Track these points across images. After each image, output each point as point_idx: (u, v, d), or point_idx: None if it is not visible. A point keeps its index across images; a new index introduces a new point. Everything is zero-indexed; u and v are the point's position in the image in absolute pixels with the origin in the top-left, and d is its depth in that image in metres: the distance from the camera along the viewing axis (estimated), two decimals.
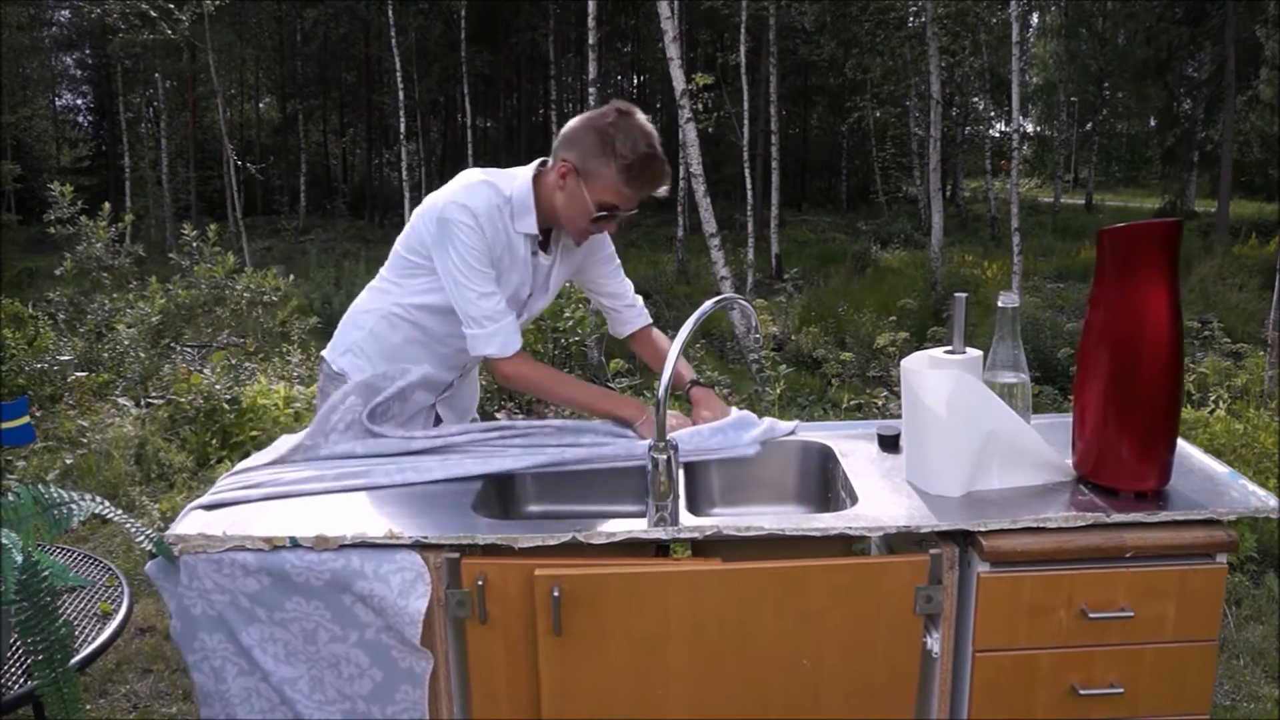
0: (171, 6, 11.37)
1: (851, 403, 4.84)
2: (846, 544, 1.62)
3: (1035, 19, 23.33)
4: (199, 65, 16.63)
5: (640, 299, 2.23)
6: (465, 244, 1.82)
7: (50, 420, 4.69)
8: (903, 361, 1.64)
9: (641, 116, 1.83)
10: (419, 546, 1.48)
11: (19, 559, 1.39)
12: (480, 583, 1.46)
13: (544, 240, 1.97)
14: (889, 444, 1.83)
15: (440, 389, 2.06)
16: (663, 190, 1.89)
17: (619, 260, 2.16)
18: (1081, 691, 1.51)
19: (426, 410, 2.05)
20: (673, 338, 1.57)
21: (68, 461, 4.13)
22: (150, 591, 3.19)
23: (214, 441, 4.52)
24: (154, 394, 4.97)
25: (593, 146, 1.79)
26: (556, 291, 2.09)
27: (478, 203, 1.83)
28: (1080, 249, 14.72)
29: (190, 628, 1.51)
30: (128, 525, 1.57)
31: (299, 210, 22.08)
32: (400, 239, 1.98)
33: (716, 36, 22.50)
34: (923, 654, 1.51)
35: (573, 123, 1.86)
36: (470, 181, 1.88)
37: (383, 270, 2.03)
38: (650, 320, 2.23)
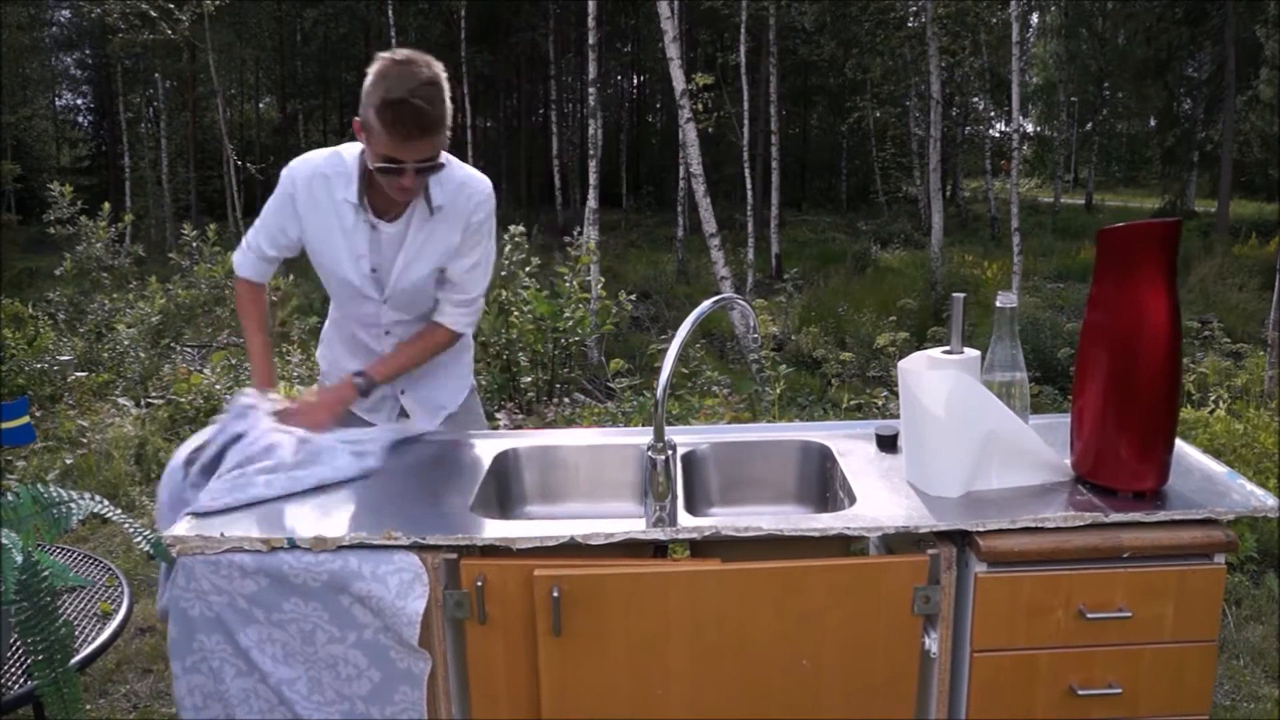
0: (171, 6, 11.37)
1: (851, 403, 4.84)
2: (845, 544, 1.62)
3: (1035, 19, 23.34)
4: (199, 65, 16.63)
5: (464, 314, 2.02)
6: (276, 201, 1.95)
7: (50, 420, 4.69)
8: (901, 362, 1.64)
9: (416, 64, 1.73)
10: (417, 547, 1.48)
11: (19, 559, 1.39)
12: (479, 583, 1.46)
13: (385, 208, 1.90)
14: (887, 444, 1.83)
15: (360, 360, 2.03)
16: (438, 143, 1.78)
17: (483, 267, 2.01)
18: (1080, 692, 1.51)
19: (391, 401, 2.07)
20: (673, 337, 1.57)
21: (68, 461, 4.13)
22: (150, 591, 3.19)
23: None
24: (154, 394, 4.97)
25: (364, 99, 1.75)
26: (431, 263, 1.94)
27: (301, 169, 1.92)
28: (1080, 249, 14.73)
29: (188, 629, 1.51)
30: (127, 525, 1.57)
31: None
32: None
33: (716, 36, 22.51)
34: (921, 654, 1.51)
35: None
36: (320, 152, 1.94)
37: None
38: (454, 330, 2.03)
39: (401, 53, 1.76)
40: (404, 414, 2.08)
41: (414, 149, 1.74)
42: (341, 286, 1.98)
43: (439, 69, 1.76)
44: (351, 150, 1.90)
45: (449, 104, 1.78)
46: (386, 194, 1.83)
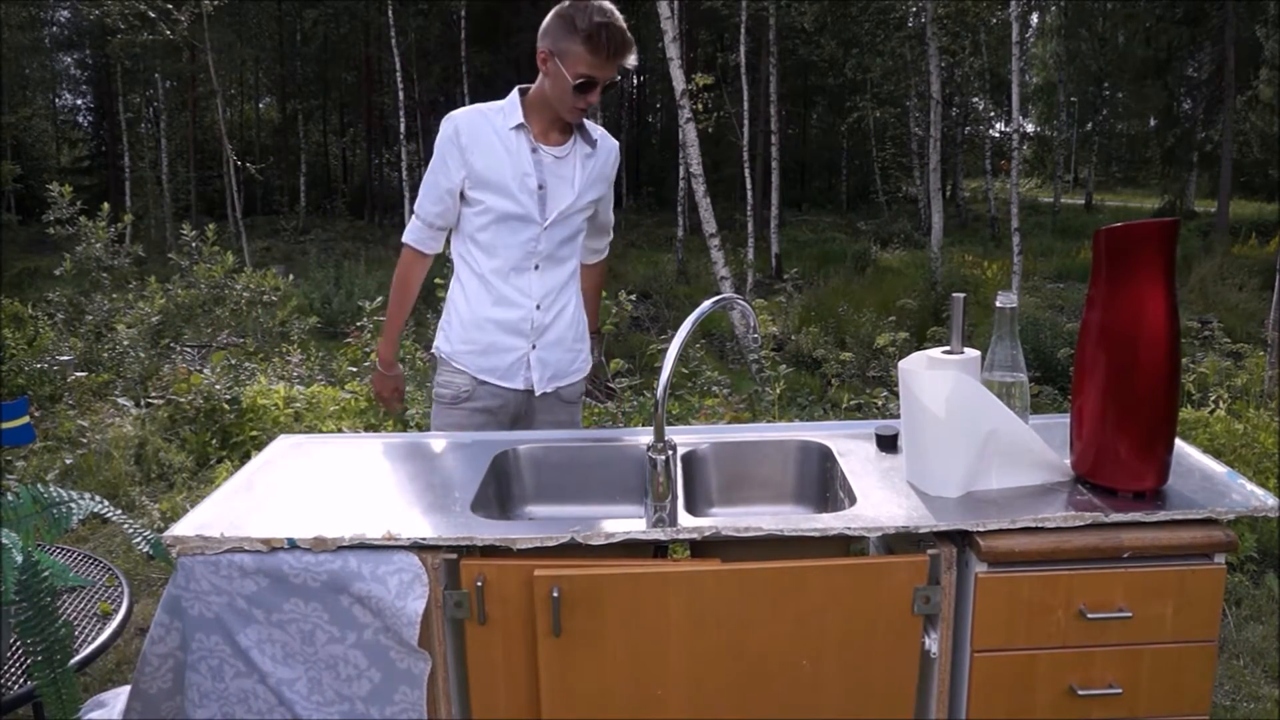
0: (170, 7, 11.37)
1: (851, 403, 4.84)
2: (845, 544, 1.62)
3: (1035, 19, 23.32)
4: (199, 65, 16.63)
5: (610, 237, 2.43)
6: (438, 152, 2.12)
7: (50, 420, 4.69)
8: (901, 362, 1.64)
9: None
10: (417, 548, 1.48)
11: (19, 559, 1.39)
12: (479, 584, 1.46)
13: (555, 137, 2.15)
14: (887, 444, 1.83)
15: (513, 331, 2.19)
16: (631, 60, 2.07)
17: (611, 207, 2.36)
18: (1080, 692, 1.51)
19: (522, 359, 2.20)
20: (673, 337, 1.57)
21: (67, 461, 4.13)
22: (151, 592, 3.19)
23: (214, 441, 4.52)
24: (154, 394, 4.97)
25: (559, 28, 2.02)
26: (588, 195, 2.20)
27: (460, 113, 2.13)
28: (1080, 249, 14.73)
29: (188, 629, 1.51)
30: (126, 526, 1.57)
31: (299, 210, 22.08)
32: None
33: (716, 36, 22.52)
34: (921, 654, 1.51)
35: (546, 18, 2.07)
36: (468, 105, 2.17)
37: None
38: (605, 257, 2.47)
39: None
40: (529, 365, 2.21)
41: (611, 66, 2.03)
42: (505, 218, 2.12)
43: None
44: (497, 100, 2.14)
45: None
46: (544, 123, 2.11)
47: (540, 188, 2.12)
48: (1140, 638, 1.50)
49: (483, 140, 2.10)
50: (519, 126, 2.11)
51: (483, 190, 2.11)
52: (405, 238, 2.23)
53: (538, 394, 2.22)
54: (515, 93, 2.15)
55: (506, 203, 2.10)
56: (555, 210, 2.14)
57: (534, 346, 2.20)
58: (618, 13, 2.04)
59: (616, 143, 2.29)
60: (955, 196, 21.81)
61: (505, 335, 2.17)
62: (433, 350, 2.30)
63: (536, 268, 2.17)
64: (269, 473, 1.79)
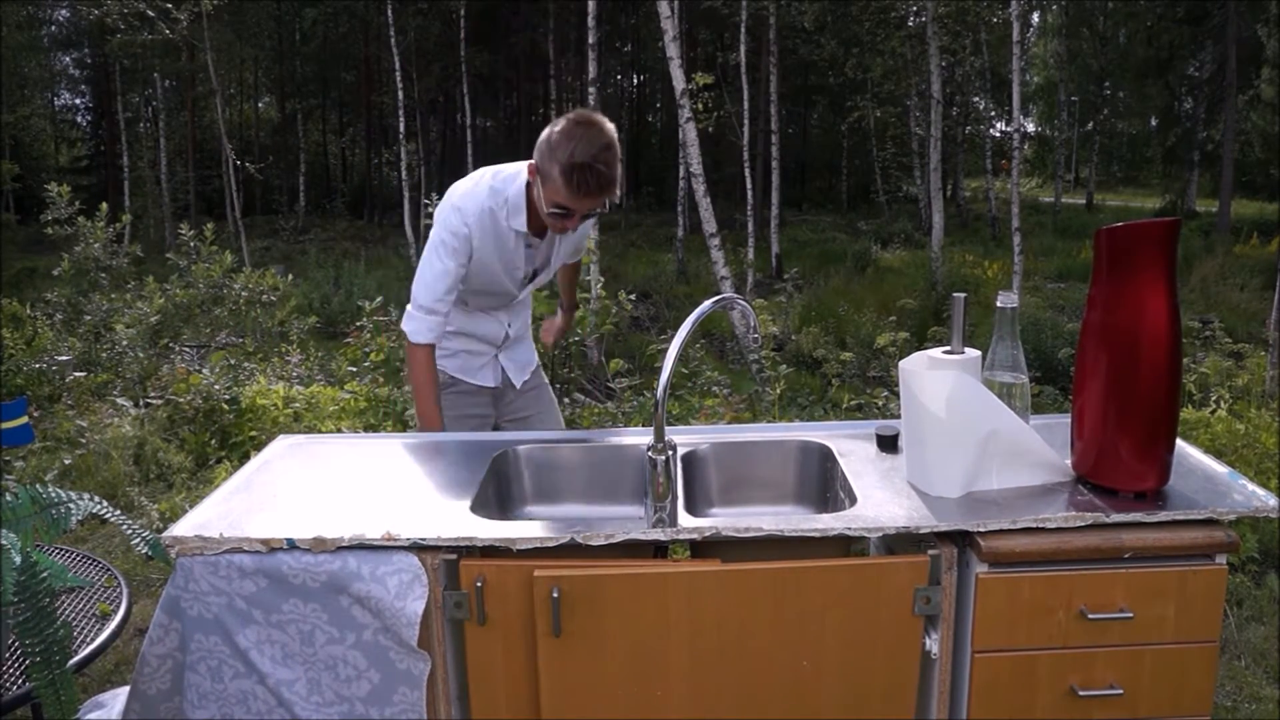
0: (169, 6, 11.36)
1: (852, 403, 4.83)
2: (845, 545, 1.62)
3: (1036, 18, 23.33)
4: (198, 65, 16.63)
5: (583, 246, 2.52)
6: (446, 241, 2.09)
7: (49, 420, 4.68)
8: (901, 362, 1.64)
9: (597, 127, 1.96)
10: (416, 548, 1.48)
11: (18, 560, 1.39)
12: (479, 584, 1.45)
13: (540, 230, 2.18)
14: (887, 444, 1.82)
15: (494, 342, 2.38)
16: (613, 196, 2.03)
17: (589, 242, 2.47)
18: (1081, 693, 1.51)
19: (491, 361, 2.37)
20: (672, 337, 1.57)
21: (66, 462, 4.12)
22: (150, 592, 3.19)
23: (213, 442, 4.52)
24: (152, 394, 4.96)
25: (546, 151, 1.98)
26: (560, 262, 2.34)
27: (470, 206, 2.09)
28: (1081, 249, 14.72)
29: (187, 629, 1.51)
30: (125, 526, 1.56)
31: (298, 210, 22.08)
32: None
33: (716, 36, 22.51)
34: (922, 655, 1.51)
35: (546, 128, 2.05)
36: (479, 183, 2.12)
37: None
38: (579, 259, 2.56)
39: (584, 115, 1.98)
40: (505, 375, 2.40)
41: (588, 203, 2.00)
42: (489, 291, 2.25)
43: (613, 130, 1.99)
44: (505, 180, 2.12)
45: (619, 165, 2.01)
46: (537, 218, 2.10)
47: (526, 278, 2.26)
48: (1141, 638, 1.50)
49: (489, 240, 2.13)
50: (519, 233, 2.14)
51: (478, 274, 2.18)
52: (419, 338, 2.13)
53: (517, 387, 2.43)
54: (524, 184, 2.11)
55: (492, 285, 2.23)
56: (537, 284, 2.33)
57: (500, 352, 2.39)
58: (608, 148, 1.96)
59: None
60: (956, 196, 21.81)
61: (477, 344, 2.36)
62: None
63: (516, 299, 2.36)
64: (268, 473, 1.79)
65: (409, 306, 2.15)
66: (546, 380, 2.60)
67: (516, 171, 2.12)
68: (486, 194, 2.10)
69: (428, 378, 2.16)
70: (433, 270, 2.10)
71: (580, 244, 2.42)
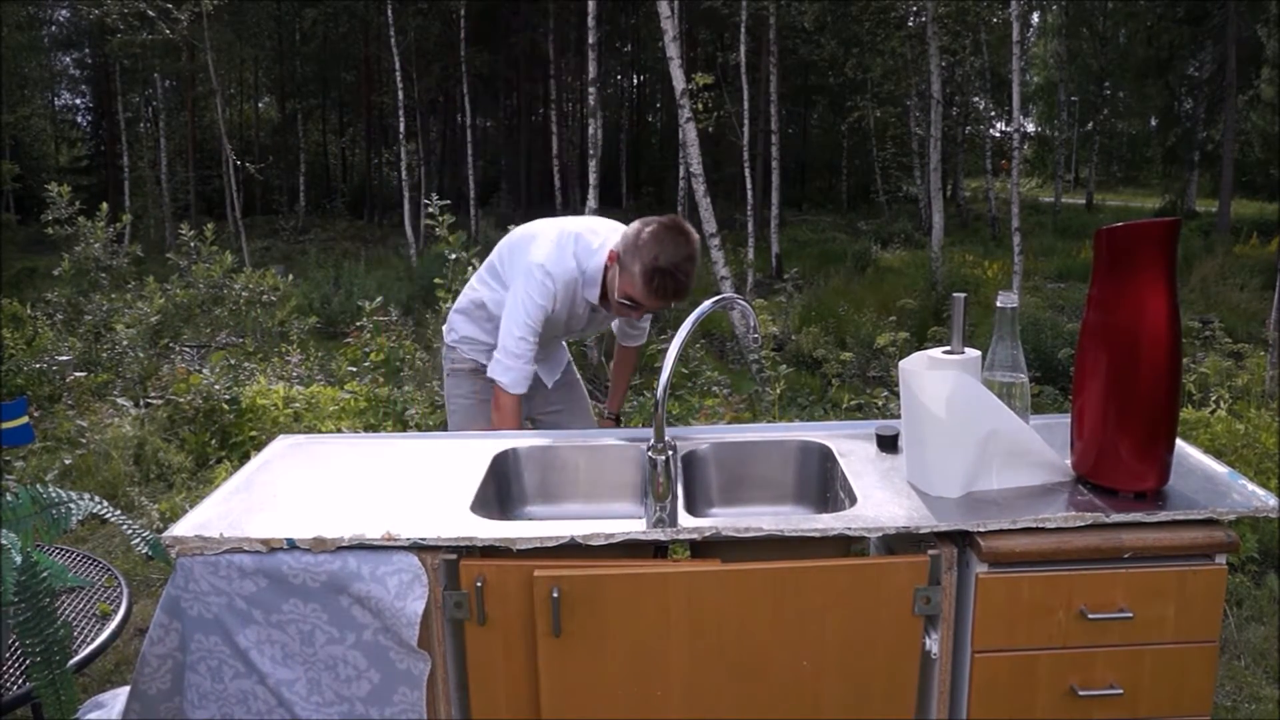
0: (170, 6, 11.36)
1: (852, 403, 4.83)
2: (845, 545, 1.62)
3: (1036, 18, 23.33)
4: (198, 65, 16.62)
5: (648, 325, 2.63)
6: (535, 299, 2.18)
7: (49, 420, 4.68)
8: (901, 362, 1.64)
9: (684, 237, 2.07)
10: (416, 548, 1.48)
11: (18, 559, 1.39)
12: (479, 584, 1.45)
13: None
14: (887, 444, 1.83)
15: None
16: (680, 302, 2.16)
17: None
18: (1081, 693, 1.51)
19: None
20: (672, 337, 1.57)
21: (66, 462, 4.12)
22: (150, 592, 3.19)
23: (213, 442, 4.51)
24: (153, 394, 4.96)
25: (631, 247, 2.08)
26: (612, 323, 2.51)
27: (560, 272, 2.20)
28: (1081, 249, 14.71)
29: (187, 629, 1.51)
30: (125, 526, 1.56)
31: (298, 210, 22.07)
32: (496, 252, 2.39)
33: (716, 36, 22.50)
34: (922, 655, 1.51)
35: (637, 220, 2.17)
36: (563, 250, 2.22)
37: (482, 272, 2.44)
38: (643, 343, 2.65)
39: (675, 222, 2.09)
40: (536, 375, 2.44)
41: (660, 305, 2.12)
42: (545, 334, 2.33)
43: (697, 241, 2.11)
44: (585, 252, 2.22)
45: (696, 273, 2.12)
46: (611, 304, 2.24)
47: (581, 328, 2.41)
48: (1141, 638, 1.50)
49: (566, 304, 2.26)
50: (595, 304, 2.28)
51: (546, 325, 2.29)
52: (517, 389, 2.21)
53: (549, 386, 2.53)
54: (602, 263, 2.21)
55: (549, 331, 2.32)
56: (576, 336, 2.52)
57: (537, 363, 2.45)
58: (690, 259, 2.06)
59: None
60: (956, 196, 21.80)
61: None
62: (446, 335, 2.51)
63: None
64: (268, 473, 1.79)
65: (499, 355, 2.22)
66: (579, 377, 2.67)
67: (596, 246, 2.22)
68: (574, 266, 2.22)
69: (516, 425, 2.25)
70: (522, 326, 2.19)
71: (644, 324, 2.57)
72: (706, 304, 1.60)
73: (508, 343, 2.19)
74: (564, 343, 2.65)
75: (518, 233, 2.38)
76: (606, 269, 2.20)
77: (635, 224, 2.13)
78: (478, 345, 2.45)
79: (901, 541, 1.60)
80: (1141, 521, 1.49)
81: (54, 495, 1.54)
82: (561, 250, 2.21)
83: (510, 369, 2.20)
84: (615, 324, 2.57)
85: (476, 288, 2.43)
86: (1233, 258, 12.94)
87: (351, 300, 9.30)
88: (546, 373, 2.52)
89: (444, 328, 2.57)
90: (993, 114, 20.62)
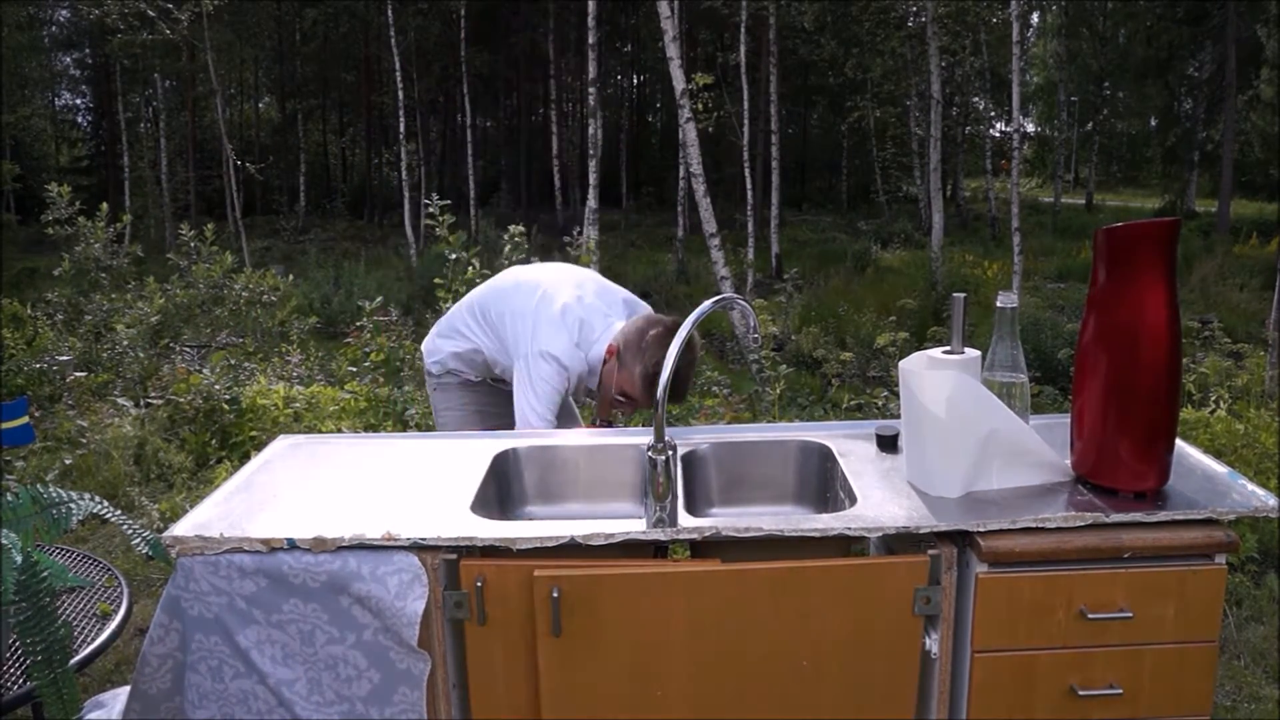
0: (170, 6, 11.36)
1: (851, 403, 4.83)
2: (845, 544, 1.62)
3: (1035, 18, 23.32)
4: (198, 65, 16.62)
5: None
6: (554, 386, 2.22)
7: (49, 420, 4.68)
8: (901, 362, 1.64)
9: (689, 340, 2.04)
10: (416, 548, 1.48)
11: (18, 559, 1.39)
12: (479, 584, 1.45)
13: None
14: (887, 444, 1.83)
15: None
16: (676, 404, 2.26)
17: None
18: (1081, 692, 1.51)
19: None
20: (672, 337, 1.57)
21: (67, 462, 4.12)
22: (150, 592, 3.19)
23: (213, 442, 4.52)
24: (153, 394, 4.96)
25: (634, 346, 2.14)
26: None
27: (573, 365, 2.24)
28: (1081, 249, 14.72)
29: (187, 629, 1.51)
30: (126, 526, 1.56)
31: (298, 210, 22.07)
32: (484, 297, 2.40)
33: (716, 36, 22.51)
34: (922, 655, 1.51)
35: (639, 318, 2.24)
36: (574, 341, 2.24)
37: (468, 312, 2.44)
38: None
39: (677, 324, 2.04)
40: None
41: (652, 405, 2.04)
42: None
43: (699, 344, 2.19)
44: (588, 343, 2.25)
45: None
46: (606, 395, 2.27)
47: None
48: (1141, 638, 1.50)
49: (571, 385, 2.29)
50: (592, 391, 2.33)
51: None
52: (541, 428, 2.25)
53: None
54: (603, 354, 2.25)
55: None
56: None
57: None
58: (691, 364, 2.14)
59: None
60: (956, 196, 21.81)
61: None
62: (428, 360, 2.52)
63: None
64: (268, 473, 1.79)
65: (521, 424, 2.25)
66: (574, 408, 2.69)
67: (597, 334, 2.26)
68: (582, 358, 2.26)
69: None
70: (543, 410, 2.20)
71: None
72: (706, 304, 1.60)
73: (531, 419, 2.22)
74: None
75: (509, 283, 2.38)
76: (605, 361, 2.24)
77: (639, 322, 2.18)
78: (465, 374, 2.50)
79: (901, 541, 1.60)
80: (1141, 521, 1.50)
81: (54, 495, 1.54)
82: (572, 342, 2.25)
83: (538, 427, 2.23)
84: None
85: (467, 334, 2.43)
86: (1232, 258, 12.95)
87: (351, 300, 9.31)
88: None
89: (425, 350, 2.55)
90: (992, 114, 20.63)
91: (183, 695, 1.54)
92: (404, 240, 15.15)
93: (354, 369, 5.03)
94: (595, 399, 2.46)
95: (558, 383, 2.21)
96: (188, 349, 6.32)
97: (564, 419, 2.53)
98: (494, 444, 1.92)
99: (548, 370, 2.20)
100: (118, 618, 1.82)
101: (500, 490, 1.86)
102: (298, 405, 4.64)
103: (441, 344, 2.49)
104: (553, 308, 2.27)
